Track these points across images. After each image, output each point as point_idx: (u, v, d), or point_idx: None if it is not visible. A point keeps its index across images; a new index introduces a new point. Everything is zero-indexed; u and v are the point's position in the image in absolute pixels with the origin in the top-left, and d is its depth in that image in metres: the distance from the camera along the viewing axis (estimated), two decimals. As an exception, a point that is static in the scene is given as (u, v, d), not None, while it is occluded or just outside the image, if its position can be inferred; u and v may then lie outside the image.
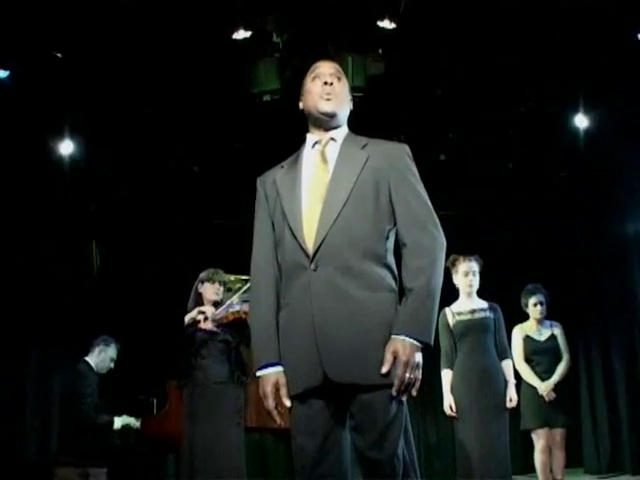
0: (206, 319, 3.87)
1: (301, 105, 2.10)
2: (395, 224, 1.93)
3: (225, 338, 3.90)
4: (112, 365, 4.85)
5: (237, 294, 3.98)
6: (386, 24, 4.61)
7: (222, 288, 4.04)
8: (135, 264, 6.46)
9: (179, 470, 4.07)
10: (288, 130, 4.87)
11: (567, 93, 5.44)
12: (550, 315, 4.78)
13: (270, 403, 1.88)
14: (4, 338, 5.32)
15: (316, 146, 2.04)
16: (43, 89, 4.94)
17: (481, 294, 4.17)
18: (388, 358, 1.77)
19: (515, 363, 4.46)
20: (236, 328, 3.90)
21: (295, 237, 1.89)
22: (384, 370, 1.77)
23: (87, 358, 4.74)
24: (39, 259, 5.74)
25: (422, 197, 1.94)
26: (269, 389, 1.88)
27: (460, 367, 3.98)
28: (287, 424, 1.91)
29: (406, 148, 2.01)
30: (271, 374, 1.89)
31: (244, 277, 4.15)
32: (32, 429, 5.49)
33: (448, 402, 3.99)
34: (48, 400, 5.61)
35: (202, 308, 3.89)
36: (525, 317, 4.78)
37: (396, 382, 1.77)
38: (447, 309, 4.10)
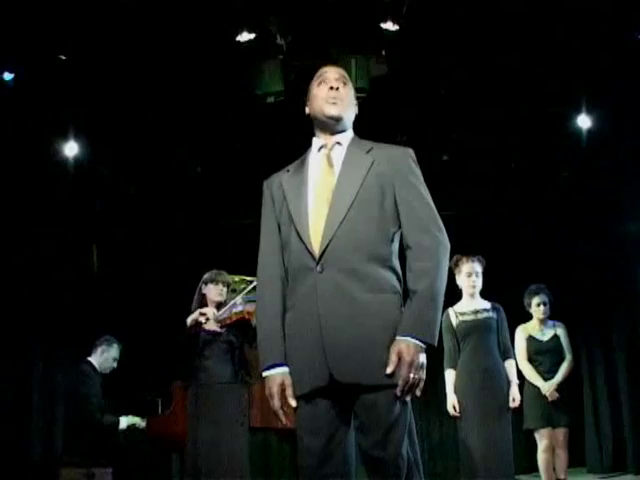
0: (207, 320, 3.88)
1: (307, 110, 2.12)
2: (400, 227, 1.96)
3: (229, 338, 3.91)
4: (115, 365, 4.87)
5: (241, 294, 3.99)
6: (389, 26, 4.64)
7: (225, 289, 4.05)
8: (139, 265, 6.48)
9: (183, 470, 4.08)
10: (292, 132, 4.91)
11: (570, 93, 5.45)
12: (553, 315, 4.80)
13: (276, 403, 1.90)
14: (9, 339, 5.35)
15: (322, 150, 2.06)
16: (47, 91, 4.96)
17: (484, 294, 4.18)
18: (393, 359, 1.80)
19: (518, 363, 4.47)
20: (239, 328, 3.91)
21: (301, 240, 1.92)
22: (389, 370, 1.79)
23: (90, 358, 4.77)
24: (43, 260, 5.76)
25: (426, 200, 1.97)
26: (275, 389, 1.90)
27: (463, 367, 3.99)
28: (292, 424, 1.93)
29: (410, 152, 2.04)
30: (277, 374, 1.91)
31: (248, 278, 4.16)
32: (37, 429, 5.52)
33: (451, 402, 4.00)
34: (53, 400, 5.63)
35: (203, 310, 3.90)
36: (528, 317, 4.80)
37: (400, 382, 1.79)
38: (450, 309, 4.11)
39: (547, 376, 4.60)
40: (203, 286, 4.05)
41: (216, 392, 3.81)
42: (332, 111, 2.03)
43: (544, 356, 4.66)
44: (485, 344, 4.00)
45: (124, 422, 4.58)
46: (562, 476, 4.59)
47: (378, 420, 1.81)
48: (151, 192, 6.37)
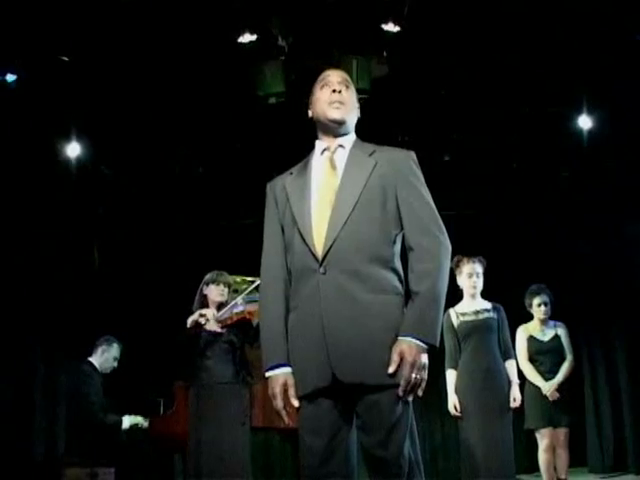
0: (207, 322, 3.89)
1: (310, 113, 2.14)
2: (401, 228, 1.98)
3: (230, 339, 3.92)
4: (116, 364, 4.88)
5: (242, 295, 4.01)
6: (390, 27, 4.65)
7: (227, 289, 4.07)
8: (141, 265, 6.49)
9: (186, 470, 4.10)
10: (293, 133, 4.93)
11: (570, 94, 5.46)
12: (554, 315, 4.81)
13: (279, 403, 1.92)
14: (10, 339, 5.36)
15: (325, 152, 2.08)
16: (50, 93, 4.98)
17: (485, 294, 4.19)
18: (395, 359, 1.81)
19: (519, 363, 4.49)
20: (240, 328, 3.92)
21: (305, 241, 1.94)
22: (391, 370, 1.81)
23: (91, 359, 4.79)
24: (44, 261, 5.77)
25: (428, 202, 1.99)
26: (278, 389, 1.92)
27: (464, 367, 4.01)
28: (294, 424, 1.95)
29: (412, 155, 2.06)
30: (280, 375, 1.93)
31: (250, 278, 4.18)
32: (39, 429, 5.53)
33: (452, 402, 4.01)
34: (55, 400, 5.63)
35: (203, 311, 3.91)
36: (529, 317, 4.81)
37: (402, 382, 1.81)
38: (451, 310, 4.12)
39: (548, 376, 4.62)
40: (204, 287, 4.07)
41: (218, 392, 3.83)
42: (335, 115, 2.05)
43: (545, 356, 4.67)
44: (486, 344, 4.01)
45: (127, 422, 4.60)
46: (563, 476, 4.61)
47: (380, 420, 1.83)
48: (153, 192, 6.38)
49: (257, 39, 4.78)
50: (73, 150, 5.48)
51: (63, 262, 5.95)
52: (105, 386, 4.77)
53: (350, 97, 2.10)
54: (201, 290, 4.08)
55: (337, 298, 1.87)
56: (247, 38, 4.75)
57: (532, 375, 4.64)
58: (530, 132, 5.89)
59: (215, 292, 4.03)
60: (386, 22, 4.66)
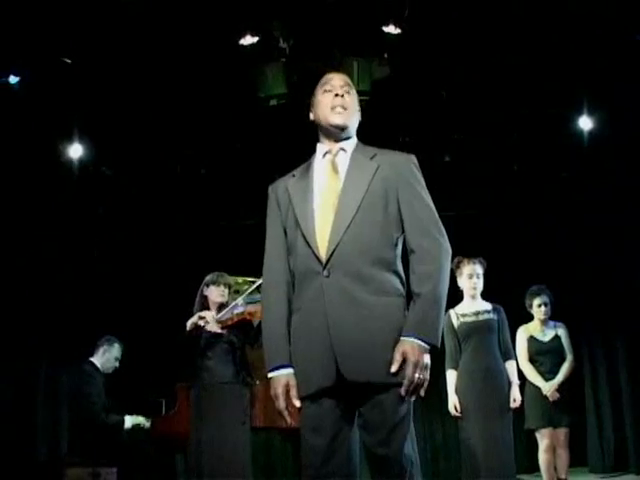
0: (207, 324, 3.91)
1: (311, 116, 2.15)
2: (403, 231, 2.00)
3: (230, 339, 3.94)
4: (117, 364, 4.90)
5: (242, 296, 4.03)
6: (391, 29, 4.67)
7: (227, 290, 4.08)
8: (143, 265, 6.50)
9: (188, 470, 4.11)
10: (294, 134, 4.95)
11: (570, 95, 5.47)
12: (554, 315, 4.83)
13: (281, 403, 1.94)
14: (13, 340, 5.39)
15: (327, 156, 2.10)
16: (52, 94, 5.00)
17: (485, 295, 4.21)
18: (397, 358, 1.84)
19: (519, 363, 4.50)
20: (241, 329, 3.94)
21: (308, 244, 1.96)
22: (393, 369, 1.83)
23: (92, 359, 4.81)
24: (45, 261, 5.80)
25: (428, 206, 2.01)
26: (280, 390, 1.94)
27: (464, 368, 4.02)
28: (296, 423, 1.97)
29: (413, 158, 2.07)
30: (282, 376, 1.95)
31: (251, 279, 4.21)
32: (42, 429, 5.55)
33: (453, 402, 4.02)
34: (57, 400, 5.66)
35: (202, 313, 3.93)
36: (529, 318, 4.82)
37: (405, 383, 1.83)
38: (451, 311, 4.14)
39: (548, 376, 4.63)
40: (205, 288, 4.09)
41: (218, 392, 3.84)
42: (337, 120, 2.07)
43: (545, 356, 4.69)
44: (486, 345, 4.03)
45: (129, 422, 4.61)
46: (563, 476, 4.62)
47: (383, 418, 1.86)
48: (154, 193, 6.40)
49: (258, 41, 4.81)
50: (75, 151, 5.50)
51: (64, 262, 5.98)
52: (107, 386, 4.78)
53: (352, 101, 2.11)
54: (201, 291, 4.10)
55: (341, 300, 1.90)
56: (249, 40, 4.78)
57: (532, 375, 4.66)
58: (530, 133, 5.90)
59: (215, 293, 4.05)
60: (387, 24, 4.68)
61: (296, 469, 4.96)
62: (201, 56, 4.92)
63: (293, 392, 1.93)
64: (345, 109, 2.08)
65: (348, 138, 2.11)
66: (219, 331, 3.92)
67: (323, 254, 1.93)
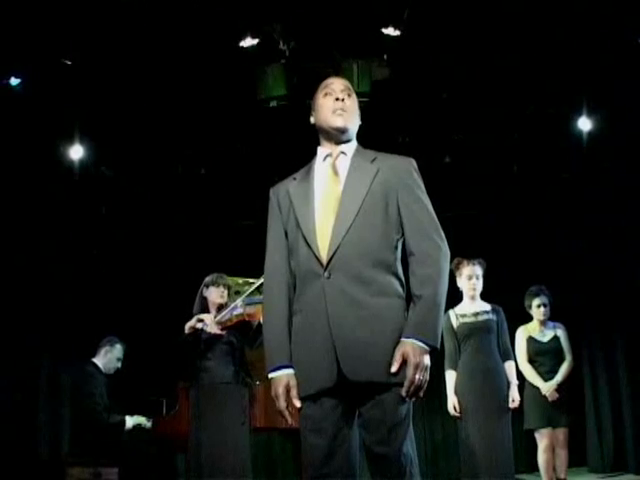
0: (205, 326, 3.92)
1: (312, 120, 2.18)
2: (402, 234, 2.02)
3: (230, 340, 3.96)
4: (119, 365, 4.91)
5: (242, 297, 4.05)
6: (390, 31, 4.69)
7: (226, 291, 4.10)
8: (144, 266, 6.52)
9: (188, 470, 4.13)
10: (295, 135, 4.97)
11: (570, 96, 5.48)
12: (554, 316, 4.84)
13: (282, 403, 1.96)
14: (15, 340, 5.41)
15: (327, 159, 2.12)
16: (53, 96, 5.02)
17: (485, 295, 4.23)
18: (398, 359, 1.86)
19: (519, 364, 4.53)
20: (240, 330, 3.97)
21: (309, 246, 1.98)
22: (394, 369, 1.86)
23: (94, 359, 4.83)
24: (48, 261, 5.82)
25: (428, 209, 2.03)
26: (281, 390, 1.96)
27: (464, 368, 4.04)
28: (297, 423, 1.99)
29: (413, 162, 2.10)
30: (282, 376, 1.97)
31: (251, 280, 4.23)
32: (44, 429, 5.57)
33: (452, 402, 4.04)
34: (59, 400, 5.68)
35: (200, 316, 3.95)
36: (528, 318, 4.84)
37: (406, 384, 1.85)
38: (451, 311, 4.16)
39: (547, 377, 4.65)
40: (204, 289, 4.11)
41: (218, 392, 3.86)
42: (338, 123, 2.09)
43: (544, 357, 4.71)
44: (485, 345, 4.04)
45: (130, 422, 4.63)
46: (562, 476, 4.64)
47: (383, 418, 1.88)
48: (155, 193, 6.42)
49: (259, 43, 4.82)
50: (76, 152, 5.51)
51: (65, 262, 5.99)
52: (109, 387, 4.80)
53: (352, 105, 2.14)
54: (201, 292, 4.12)
55: (342, 301, 1.92)
56: (249, 42, 4.79)
57: (532, 376, 4.68)
58: (530, 134, 5.91)
59: (215, 294, 4.07)
60: (386, 26, 4.69)
61: (297, 469, 4.98)
62: (202, 58, 4.94)
63: (294, 392, 1.95)
64: (346, 112, 2.10)
65: (348, 141, 2.14)
66: (218, 332, 3.94)
67: (324, 256, 1.95)
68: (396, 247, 2.02)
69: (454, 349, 4.10)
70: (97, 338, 4.99)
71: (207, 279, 4.13)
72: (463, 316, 4.13)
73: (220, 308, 4.04)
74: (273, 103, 5.22)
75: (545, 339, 4.77)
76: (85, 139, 5.50)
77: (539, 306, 4.76)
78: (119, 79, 5.04)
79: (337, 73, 4.82)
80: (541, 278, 5.21)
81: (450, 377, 4.10)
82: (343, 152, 2.12)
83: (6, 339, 5.31)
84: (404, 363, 1.86)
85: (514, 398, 4.01)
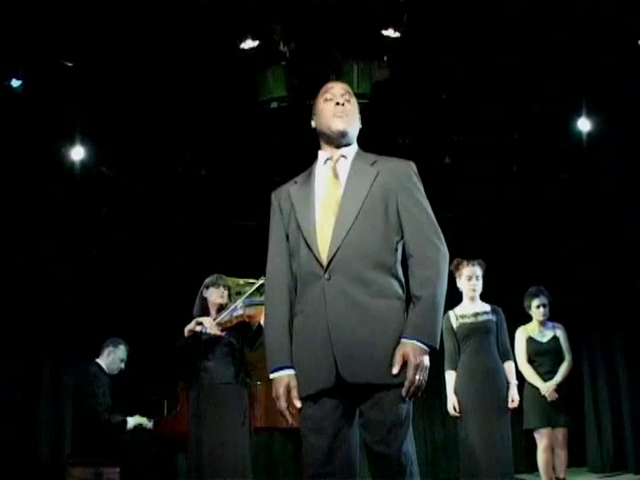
0: (205, 329, 3.94)
1: (313, 124, 2.20)
2: (402, 236, 2.04)
3: (230, 341, 3.97)
4: (122, 366, 4.92)
5: (242, 298, 4.07)
6: (390, 33, 4.70)
7: (227, 292, 4.12)
8: (146, 267, 6.53)
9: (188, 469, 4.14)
10: (295, 136, 4.99)
11: (570, 97, 5.49)
12: (554, 316, 4.85)
13: (282, 404, 1.98)
14: (17, 340, 5.42)
15: (328, 162, 2.14)
16: (55, 97, 5.03)
17: (485, 295, 4.23)
18: (398, 360, 1.88)
19: (518, 364, 4.54)
20: (240, 331, 3.99)
21: (310, 248, 2.00)
22: (395, 371, 1.87)
23: (98, 360, 4.84)
24: (51, 262, 5.83)
25: (427, 211, 2.05)
26: (281, 391, 1.97)
27: (464, 368, 4.05)
28: (297, 423, 2.00)
29: (412, 165, 2.12)
30: (283, 376, 1.99)
31: (252, 280, 4.25)
32: (46, 429, 5.59)
33: (452, 402, 4.05)
34: (61, 401, 5.70)
35: (199, 319, 3.96)
36: (528, 319, 4.85)
37: (407, 384, 1.87)
38: (451, 312, 4.17)
39: (546, 377, 4.66)
40: (204, 290, 4.12)
41: (218, 392, 3.86)
42: (339, 126, 2.11)
43: (544, 357, 4.72)
44: (485, 346, 4.06)
45: (131, 422, 4.64)
46: (562, 475, 4.65)
47: (383, 418, 1.90)
48: (156, 194, 6.43)
49: (259, 45, 4.84)
50: (77, 153, 5.53)
51: (67, 262, 6.01)
52: (111, 387, 4.81)
53: (353, 109, 2.16)
54: (201, 293, 4.14)
55: (342, 303, 1.94)
56: (249, 44, 4.81)
57: (531, 376, 4.69)
58: (530, 134, 5.92)
59: (215, 294, 4.08)
60: (386, 28, 4.71)
61: (297, 469, 4.99)
62: (203, 59, 4.95)
63: (294, 393, 1.97)
64: (346, 116, 2.12)
65: (349, 145, 2.16)
66: (219, 333, 3.96)
67: (324, 257, 1.97)
68: (396, 249, 2.03)
69: (454, 349, 4.11)
70: (97, 338, 5.00)
71: (207, 280, 4.15)
72: (463, 317, 4.15)
73: (220, 309, 4.06)
74: (273, 104, 5.23)
75: (544, 339, 4.78)
76: (86, 140, 5.51)
77: (538, 307, 4.77)
78: (120, 80, 5.05)
79: (337, 74, 4.85)
80: (541, 278, 5.22)
81: (450, 377, 4.11)
82: (343, 155, 2.14)
83: (6, 339, 5.33)
84: (404, 364, 1.88)
85: (513, 398, 4.02)
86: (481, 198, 6.52)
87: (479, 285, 4.17)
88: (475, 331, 4.08)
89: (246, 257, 4.86)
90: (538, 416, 4.61)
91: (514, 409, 4.06)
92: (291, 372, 1.99)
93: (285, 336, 2.02)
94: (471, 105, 5.59)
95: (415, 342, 1.89)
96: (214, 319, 4.01)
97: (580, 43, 4.91)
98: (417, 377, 1.87)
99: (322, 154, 2.17)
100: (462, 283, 4.18)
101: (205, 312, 4.09)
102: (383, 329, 1.93)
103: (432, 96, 5.55)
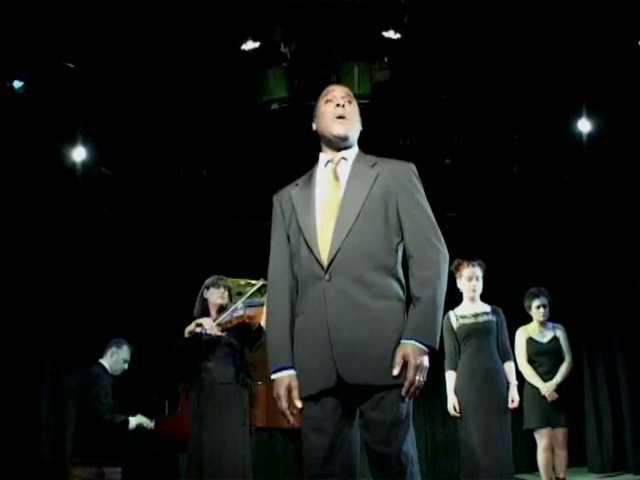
0: (204, 330, 3.95)
1: (314, 126, 2.21)
2: (402, 237, 2.05)
3: (230, 341, 3.99)
4: (126, 366, 4.94)
5: (242, 298, 4.08)
6: (391, 34, 4.71)
7: (227, 293, 4.14)
8: (148, 267, 6.54)
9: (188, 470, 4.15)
10: (296, 137, 5.00)
11: (570, 97, 5.50)
12: (554, 316, 4.86)
13: (283, 404, 1.99)
14: (19, 340, 5.43)
15: (328, 165, 2.16)
16: (56, 98, 5.04)
17: (485, 296, 4.24)
18: (399, 361, 1.90)
19: (519, 364, 4.55)
20: (240, 332, 4.01)
21: (311, 250, 2.02)
22: (395, 372, 1.89)
23: (101, 360, 4.85)
24: (53, 263, 5.84)
25: (427, 213, 2.07)
26: (282, 391, 1.99)
27: (464, 368, 4.06)
28: (298, 424, 2.02)
29: (412, 167, 2.13)
30: (284, 377, 2.00)
31: (252, 281, 4.27)
32: (47, 429, 5.59)
33: (452, 402, 4.06)
34: (63, 401, 5.71)
35: (199, 321, 3.98)
36: (528, 319, 4.86)
37: (406, 384, 1.89)
38: (451, 312, 4.17)
39: (546, 377, 4.67)
40: (205, 291, 4.14)
41: (219, 393, 3.88)
42: (339, 130, 2.13)
43: (544, 357, 4.73)
44: (485, 346, 4.06)
45: (133, 422, 4.65)
46: (562, 475, 4.66)
47: (383, 418, 1.91)
48: (157, 195, 6.44)
49: (260, 46, 4.85)
50: (78, 154, 5.54)
51: (67, 263, 6.01)
52: (114, 387, 4.82)
53: (353, 111, 2.17)
54: (201, 294, 4.15)
55: (342, 304, 1.95)
56: (250, 45, 4.82)
57: (531, 376, 4.70)
58: (530, 134, 5.93)
59: (216, 295, 4.10)
60: (387, 29, 4.72)
61: (298, 469, 5.00)
62: (204, 61, 4.96)
63: (295, 393, 1.98)
64: (346, 119, 2.14)
65: (349, 147, 2.17)
66: (219, 334, 3.97)
67: (325, 259, 1.99)
68: (396, 250, 2.05)
69: (454, 350, 4.12)
70: (97, 338, 5.02)
71: (207, 281, 4.16)
72: (463, 317, 4.15)
73: (221, 309, 4.08)
74: (274, 105, 5.25)
75: (544, 340, 4.79)
76: (87, 140, 5.52)
77: (539, 307, 4.78)
78: (121, 81, 5.06)
79: (338, 75, 4.86)
80: (541, 278, 5.23)
81: (450, 377, 4.12)
82: (344, 158, 2.15)
83: (7, 339, 5.33)
84: (404, 364, 1.89)
85: (514, 398, 4.03)
86: (481, 198, 6.53)
87: (479, 286, 4.18)
88: (475, 331, 4.09)
89: (246, 258, 4.87)
90: (538, 416, 4.62)
91: (514, 409, 4.07)
92: (292, 372, 2.00)
93: (286, 337, 2.03)
94: (471, 105, 5.60)
95: (415, 343, 1.91)
96: (214, 320, 4.02)
97: (580, 43, 4.91)
98: (417, 378, 1.88)
99: (323, 156, 2.19)
100: (462, 284, 4.19)
101: (205, 313, 4.10)
102: (383, 330, 1.94)
103: (432, 97, 5.56)
